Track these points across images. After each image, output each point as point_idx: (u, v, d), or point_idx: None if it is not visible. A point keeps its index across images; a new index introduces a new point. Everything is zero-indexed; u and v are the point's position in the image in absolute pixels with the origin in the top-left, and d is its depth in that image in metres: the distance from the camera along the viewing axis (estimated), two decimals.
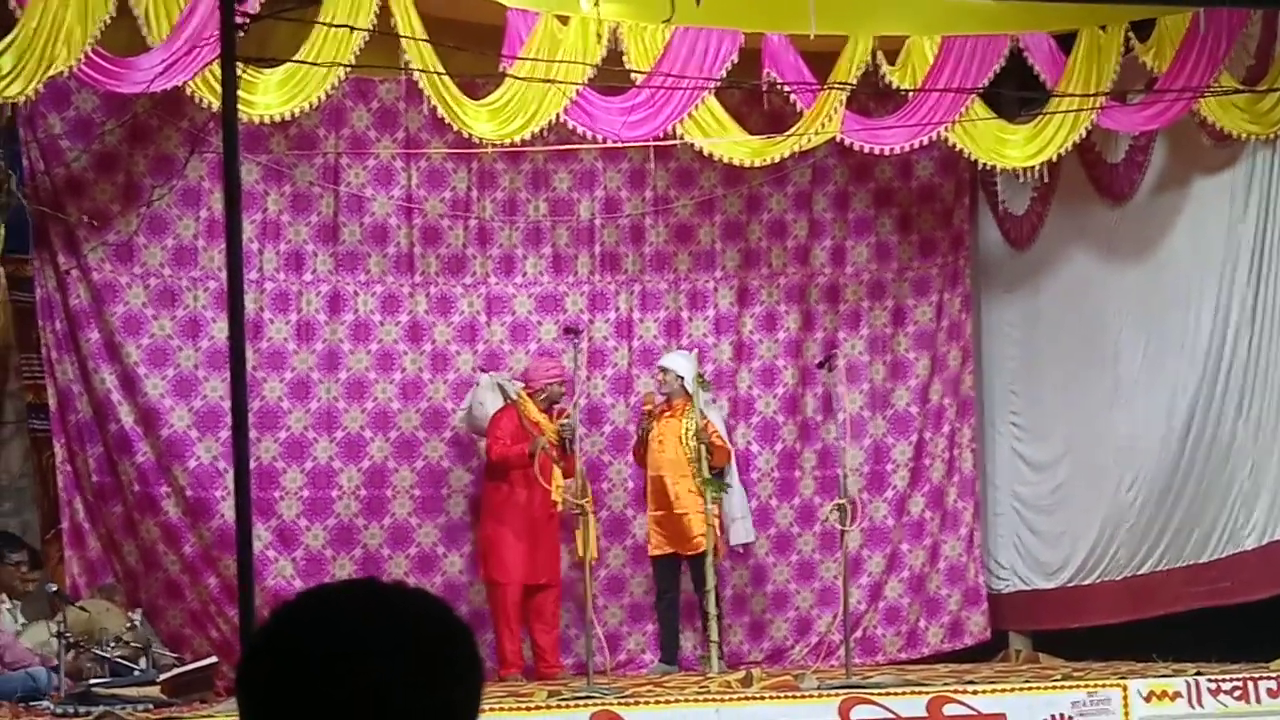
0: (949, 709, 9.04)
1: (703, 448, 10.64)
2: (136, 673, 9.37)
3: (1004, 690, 9.26)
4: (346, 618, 1.93)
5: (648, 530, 11.04)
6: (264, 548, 10.64)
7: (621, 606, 11.58)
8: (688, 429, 10.72)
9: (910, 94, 10.36)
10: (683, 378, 10.85)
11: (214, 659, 9.83)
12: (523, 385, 10.89)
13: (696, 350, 11.28)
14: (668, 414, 10.85)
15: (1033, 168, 10.71)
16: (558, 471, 10.57)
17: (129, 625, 9.67)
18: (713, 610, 10.50)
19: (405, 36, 9.40)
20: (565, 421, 10.51)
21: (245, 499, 6.94)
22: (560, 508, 10.55)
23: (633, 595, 11.59)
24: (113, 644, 9.44)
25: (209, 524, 10.62)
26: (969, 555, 12.04)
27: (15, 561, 9.93)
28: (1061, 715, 9.08)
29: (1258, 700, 9.26)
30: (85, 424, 10.57)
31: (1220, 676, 9.29)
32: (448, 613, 1.97)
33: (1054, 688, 9.34)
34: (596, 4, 9.18)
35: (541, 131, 10.06)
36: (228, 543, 10.04)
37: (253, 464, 9.65)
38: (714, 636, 10.48)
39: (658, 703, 8.99)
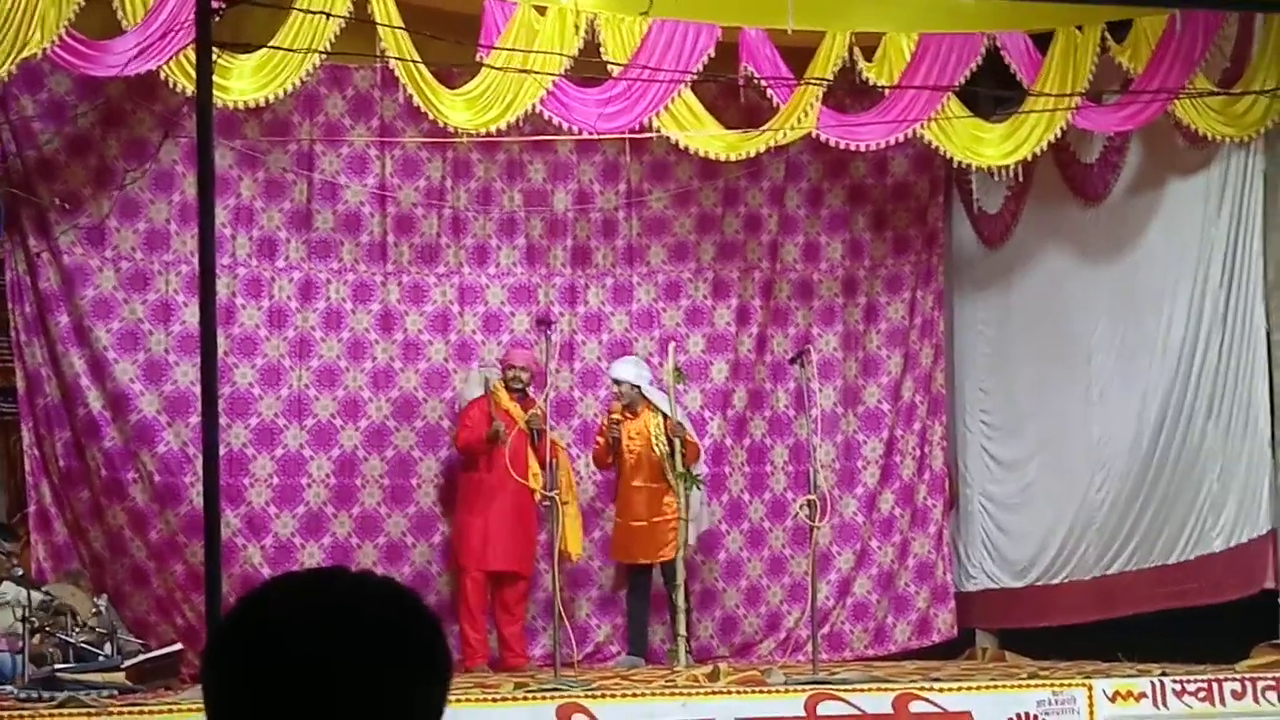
0: (915, 706, 9.04)
1: (677, 441, 10.64)
2: (101, 659, 9.33)
3: (970, 688, 9.27)
4: (315, 606, 1.92)
5: (614, 536, 11.04)
6: (232, 535, 10.60)
7: (589, 599, 11.57)
8: (656, 434, 10.73)
9: (886, 91, 10.36)
10: (638, 386, 10.86)
11: (179, 646, 9.79)
12: (499, 374, 10.94)
13: (673, 342, 11.26)
14: (631, 419, 10.85)
15: (1007, 166, 10.71)
16: (534, 461, 10.57)
17: (94, 611, 9.62)
18: (681, 604, 10.50)
19: (382, 24, 9.36)
20: (533, 412, 10.55)
21: (214, 485, 6.92)
22: (538, 498, 10.54)
23: (601, 588, 11.58)
24: (78, 629, 9.40)
25: (177, 510, 10.57)
26: (938, 553, 12.07)
27: (7, 551, 9.85)
28: (1026, 714, 9.10)
29: (1222, 702, 9.29)
30: (53, 408, 10.52)
31: (1185, 677, 9.31)
32: (416, 603, 1.96)
33: (1020, 686, 9.35)
34: None
35: (517, 122, 10.03)
36: (195, 529, 9.99)
37: (222, 450, 9.61)
38: (681, 630, 10.48)
39: (624, 696, 8.97)
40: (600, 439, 10.97)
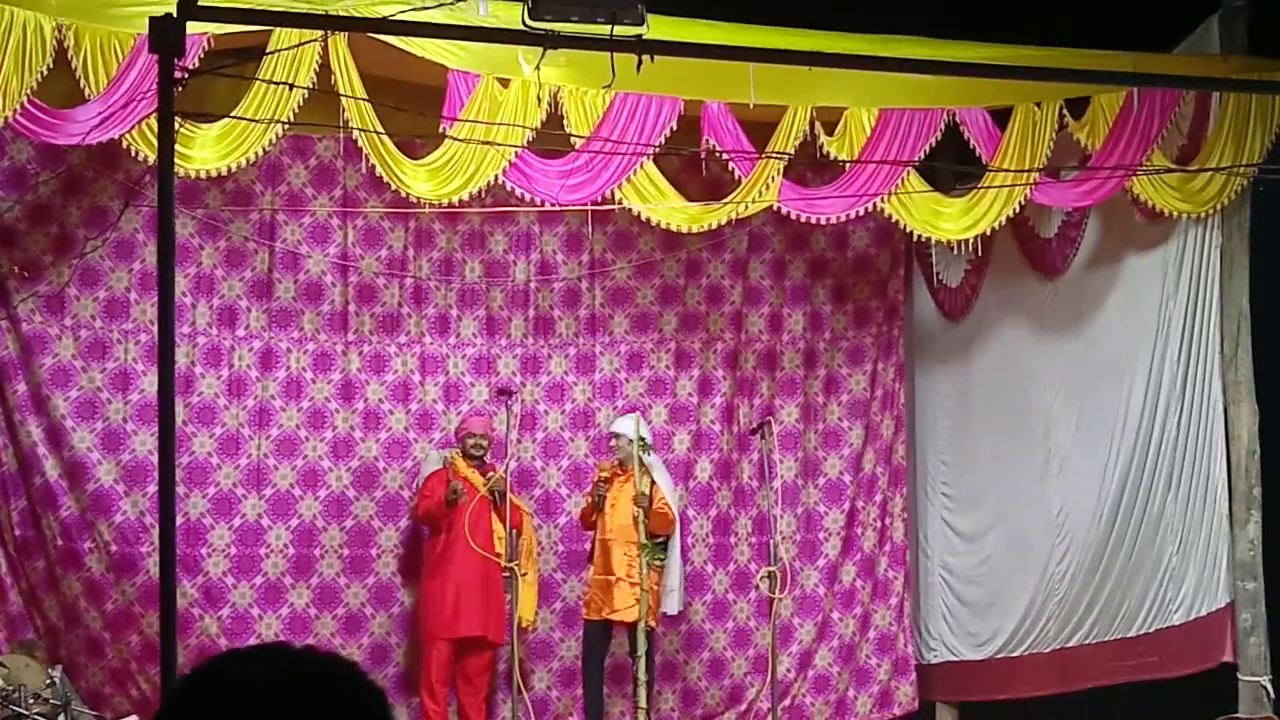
0: None
1: (641, 511, 10.62)
2: None
3: None
4: (266, 682, 1.91)
5: (588, 594, 11.02)
6: (189, 605, 10.53)
7: (549, 670, 11.51)
8: (640, 494, 10.75)
9: (847, 165, 10.43)
10: (634, 441, 10.87)
11: (133, 717, 9.71)
12: (457, 448, 10.91)
13: (638, 412, 11.27)
14: (621, 478, 10.86)
15: (967, 240, 10.78)
16: (499, 526, 10.55)
17: (48, 682, 9.52)
18: (643, 676, 10.46)
19: (345, 95, 9.39)
20: (493, 475, 10.53)
21: (170, 555, 6.87)
22: (501, 566, 10.49)
23: (562, 660, 11.52)
24: (31, 700, 9.29)
25: (133, 580, 10.50)
26: (899, 625, 12.05)
27: None
28: None
29: None
30: (9, 477, 10.45)
31: None
32: (360, 677, 1.96)
33: None
34: (538, 67, 9.20)
35: (479, 192, 10.06)
36: (151, 599, 9.93)
37: (179, 520, 9.55)
38: (642, 703, 10.43)
39: None
40: (588, 498, 10.96)
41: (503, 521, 10.55)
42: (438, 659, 10.61)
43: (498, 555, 10.46)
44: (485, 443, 10.80)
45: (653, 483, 10.75)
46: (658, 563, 10.76)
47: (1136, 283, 10.97)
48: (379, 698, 1.96)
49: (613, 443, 11.01)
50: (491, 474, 10.64)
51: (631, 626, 10.67)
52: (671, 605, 10.90)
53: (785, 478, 11.82)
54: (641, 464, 10.75)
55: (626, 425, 10.97)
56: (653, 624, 10.68)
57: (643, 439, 10.87)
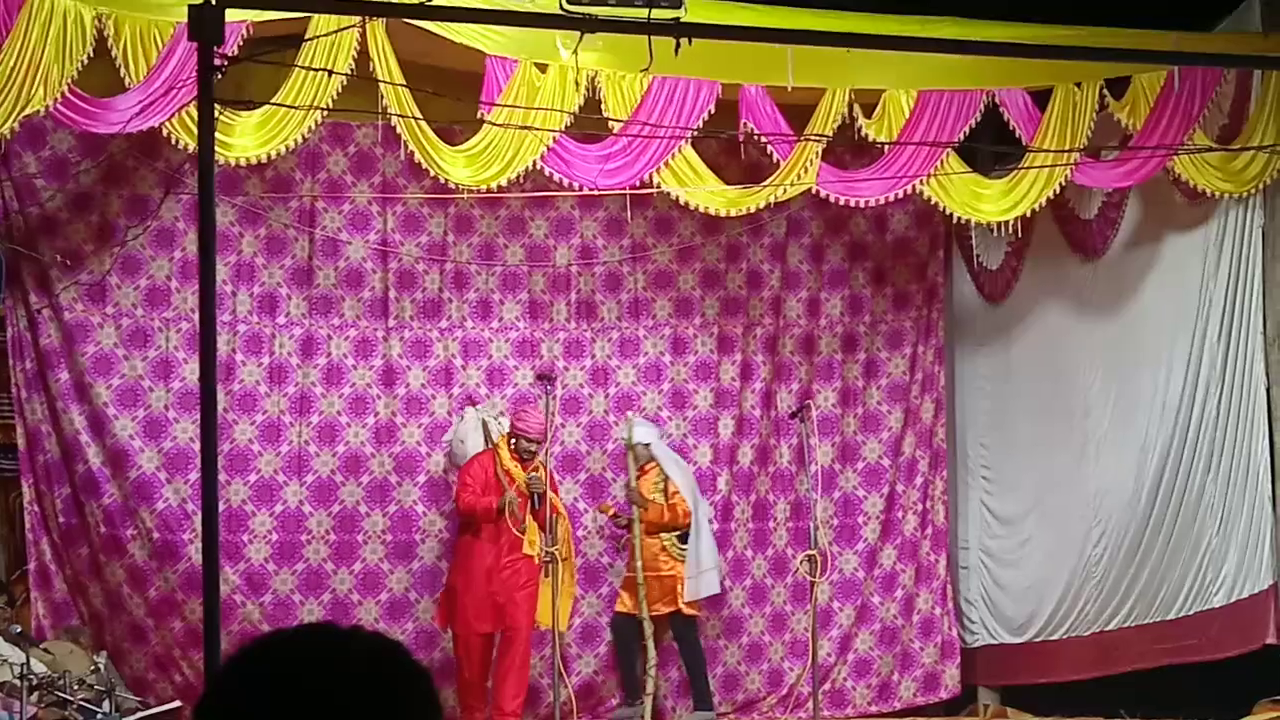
0: None
1: (634, 501, 10.79)
2: (99, 716, 9.29)
3: None
4: (302, 662, 1.92)
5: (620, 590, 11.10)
6: (231, 591, 10.58)
7: (596, 655, 11.51)
8: (657, 485, 10.81)
9: (886, 147, 10.40)
10: (648, 444, 10.96)
11: (178, 703, 9.77)
12: (508, 433, 10.77)
13: (632, 412, 11.34)
14: (640, 477, 10.91)
15: (1007, 222, 10.74)
16: (533, 525, 10.42)
17: (93, 668, 9.58)
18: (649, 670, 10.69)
19: (383, 81, 9.41)
20: (534, 475, 10.41)
21: (213, 542, 6.91)
22: (537, 561, 10.40)
23: (610, 644, 11.51)
24: (76, 687, 9.36)
25: (175, 567, 10.56)
26: (942, 608, 12.01)
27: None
28: None
29: None
30: (53, 464, 10.52)
31: None
32: (405, 657, 1.97)
33: None
34: (575, 52, 9.19)
35: (518, 178, 10.06)
36: (194, 586, 9.99)
37: (221, 507, 9.59)
38: (648, 689, 10.60)
39: None
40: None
41: (538, 521, 10.40)
42: (472, 648, 10.50)
43: (528, 556, 10.35)
44: (535, 447, 10.60)
45: (666, 478, 10.88)
46: (679, 553, 10.82)
47: (1177, 263, 10.91)
48: (425, 678, 1.97)
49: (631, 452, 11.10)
50: (533, 473, 10.42)
51: (675, 618, 10.84)
52: (703, 589, 10.88)
53: (822, 463, 11.80)
54: (650, 462, 10.86)
55: (636, 433, 11.04)
56: (688, 610, 10.82)
57: (643, 443, 10.94)
